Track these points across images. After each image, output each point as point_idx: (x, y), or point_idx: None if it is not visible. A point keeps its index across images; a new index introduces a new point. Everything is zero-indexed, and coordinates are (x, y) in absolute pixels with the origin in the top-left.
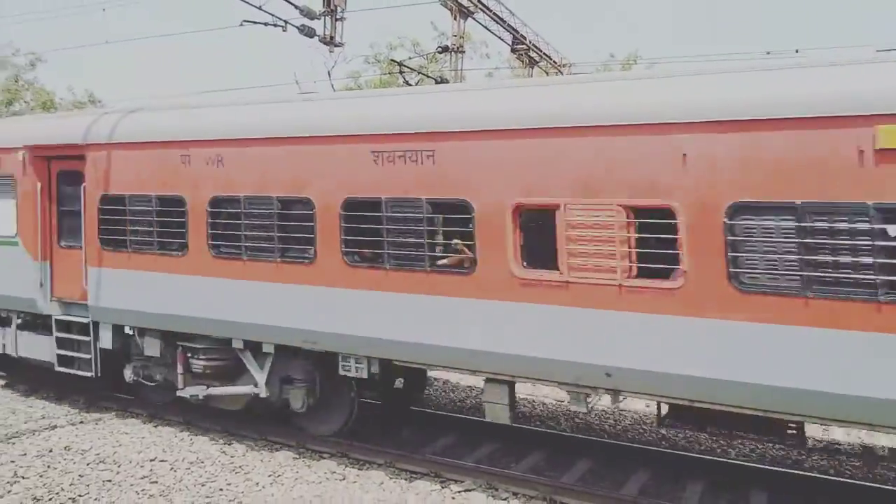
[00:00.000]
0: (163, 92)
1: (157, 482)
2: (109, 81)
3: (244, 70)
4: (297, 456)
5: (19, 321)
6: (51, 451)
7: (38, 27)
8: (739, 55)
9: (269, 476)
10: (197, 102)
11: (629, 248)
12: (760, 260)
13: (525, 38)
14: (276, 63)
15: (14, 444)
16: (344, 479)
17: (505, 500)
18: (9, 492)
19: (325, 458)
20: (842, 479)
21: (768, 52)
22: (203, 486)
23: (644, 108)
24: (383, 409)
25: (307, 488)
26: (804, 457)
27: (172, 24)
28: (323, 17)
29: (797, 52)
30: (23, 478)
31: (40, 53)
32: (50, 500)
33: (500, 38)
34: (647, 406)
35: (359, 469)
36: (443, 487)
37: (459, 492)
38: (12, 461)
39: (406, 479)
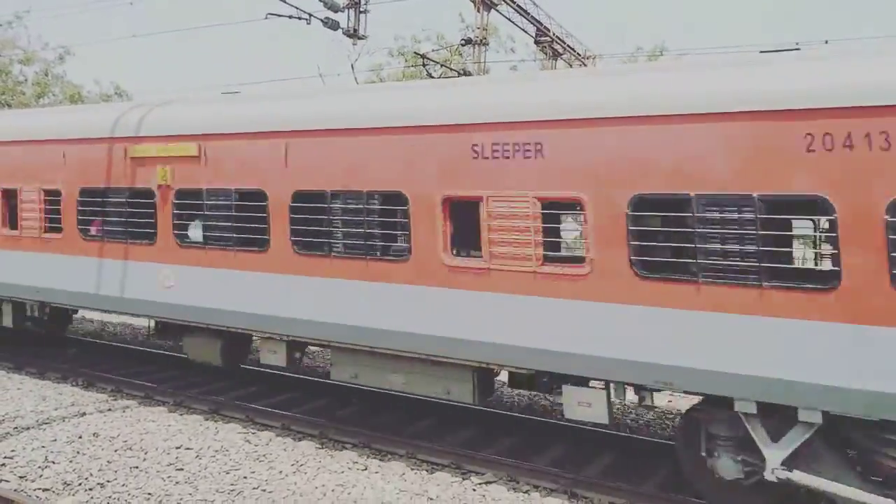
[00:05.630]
0: (189, 85)
1: (182, 469)
2: (136, 74)
3: (268, 63)
4: (320, 446)
5: None
6: (80, 437)
7: (67, 21)
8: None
9: (293, 465)
10: None
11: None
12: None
13: (549, 30)
14: (301, 56)
15: (45, 429)
16: (366, 469)
17: (526, 492)
18: (40, 476)
19: (347, 449)
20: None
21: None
22: (227, 473)
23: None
24: None
25: (329, 477)
26: None
27: (198, 18)
28: (347, 10)
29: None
30: (53, 462)
31: (69, 47)
32: (79, 485)
33: (523, 29)
34: (669, 401)
35: (380, 459)
36: (464, 479)
37: (480, 483)
38: (43, 446)
39: (427, 471)
